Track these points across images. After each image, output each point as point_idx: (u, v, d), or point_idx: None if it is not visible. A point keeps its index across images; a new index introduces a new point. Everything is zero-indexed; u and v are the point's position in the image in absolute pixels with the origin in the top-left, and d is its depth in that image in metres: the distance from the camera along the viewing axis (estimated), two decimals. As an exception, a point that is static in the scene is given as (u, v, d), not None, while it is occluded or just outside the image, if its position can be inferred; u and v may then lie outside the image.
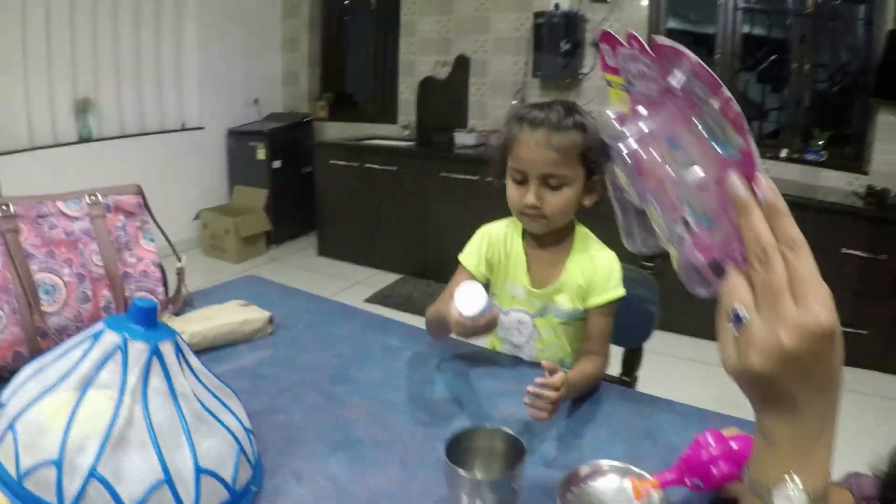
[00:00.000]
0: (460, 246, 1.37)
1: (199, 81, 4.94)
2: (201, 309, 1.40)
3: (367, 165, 4.56)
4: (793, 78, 3.74)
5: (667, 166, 0.55)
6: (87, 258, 1.27)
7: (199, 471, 0.74)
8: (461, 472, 0.72)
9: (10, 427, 0.70)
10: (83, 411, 0.70)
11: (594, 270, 1.26)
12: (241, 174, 5.14)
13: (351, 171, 4.65)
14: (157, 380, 0.75)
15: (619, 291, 1.26)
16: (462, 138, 4.49)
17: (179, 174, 4.72)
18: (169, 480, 0.71)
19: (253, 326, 1.35)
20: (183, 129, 4.90)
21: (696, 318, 2.47)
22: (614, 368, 1.56)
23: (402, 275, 4.53)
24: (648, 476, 0.84)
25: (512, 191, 1.24)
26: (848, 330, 2.65)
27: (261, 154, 4.95)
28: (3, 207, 1.19)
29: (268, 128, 5.03)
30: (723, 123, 0.47)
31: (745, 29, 3.85)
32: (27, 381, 0.75)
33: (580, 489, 0.90)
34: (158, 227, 1.43)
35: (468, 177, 4.03)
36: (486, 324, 1.03)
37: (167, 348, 0.77)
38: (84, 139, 4.18)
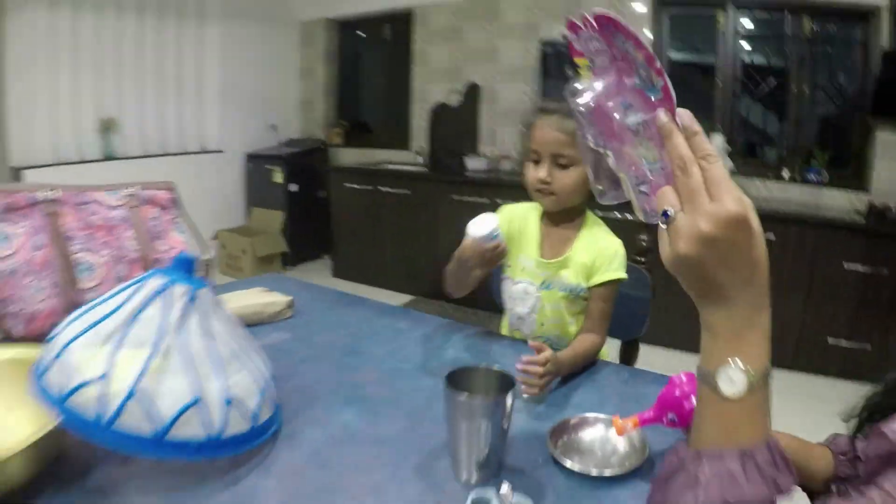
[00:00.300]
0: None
1: (219, 106, 5.14)
2: (226, 294, 1.50)
3: (381, 189, 4.70)
4: (793, 101, 3.85)
5: (624, 123, 0.66)
6: (123, 243, 1.39)
7: (228, 399, 0.84)
8: (458, 394, 0.82)
9: (60, 353, 0.81)
10: (130, 339, 0.80)
11: (599, 251, 1.38)
12: (258, 197, 5.30)
13: (365, 194, 4.78)
14: (195, 318, 0.85)
15: (621, 274, 1.37)
16: (473, 163, 4.62)
17: (199, 195, 4.86)
18: (200, 403, 0.81)
19: (275, 309, 1.46)
20: (203, 152, 5.08)
21: (687, 333, 2.55)
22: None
23: (415, 296, 4.63)
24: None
25: (528, 170, 1.39)
26: (850, 345, 2.71)
27: (278, 177, 5.10)
28: (49, 192, 1.31)
29: (285, 152, 5.20)
30: (649, 72, 0.58)
31: (746, 56, 3.99)
32: (78, 316, 0.85)
33: (569, 437, 0.99)
34: (188, 222, 1.54)
35: (479, 199, 4.15)
36: (494, 248, 1.21)
37: (204, 294, 0.88)
38: (108, 157, 4.37)
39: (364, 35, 5.78)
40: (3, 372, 0.94)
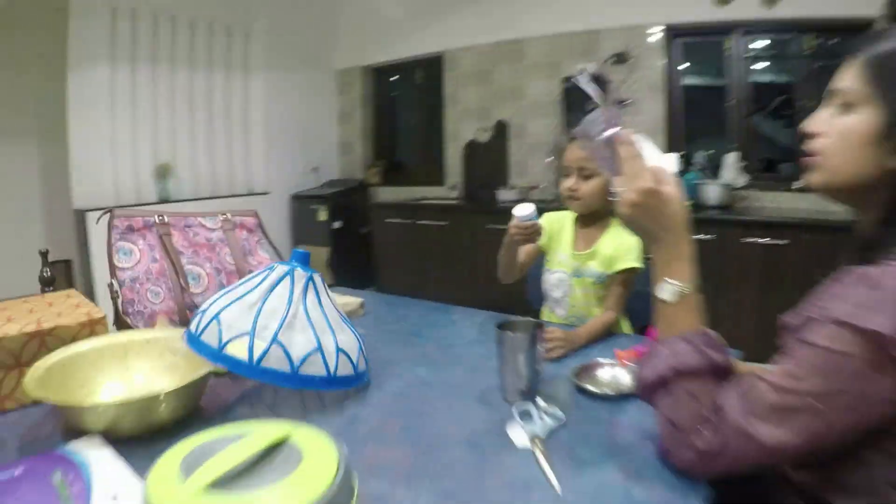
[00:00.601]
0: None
1: (265, 151, 5.59)
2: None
3: (420, 222, 5.03)
4: (801, 116, 4.07)
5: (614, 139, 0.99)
6: (221, 258, 1.72)
7: (338, 350, 1.16)
8: (506, 333, 1.14)
9: (215, 317, 1.13)
10: (267, 307, 1.13)
11: (620, 244, 1.70)
12: (303, 234, 5.69)
13: (406, 228, 5.12)
14: (312, 295, 1.18)
15: (638, 263, 1.68)
16: (505, 195, 4.94)
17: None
18: (320, 350, 1.13)
19: (348, 308, 1.78)
20: (251, 194, 5.50)
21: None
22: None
23: (455, 319, 4.89)
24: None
25: (561, 182, 1.75)
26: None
27: (322, 216, 5.49)
28: (160, 217, 1.65)
29: (327, 192, 5.60)
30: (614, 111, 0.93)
31: (754, 76, 4.26)
32: (221, 295, 1.18)
33: (588, 374, 1.29)
34: (271, 242, 1.89)
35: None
36: (532, 226, 1.60)
37: (317, 278, 1.22)
38: (164, 200, 4.80)
39: (398, 80, 6.21)
40: (146, 349, 1.27)
